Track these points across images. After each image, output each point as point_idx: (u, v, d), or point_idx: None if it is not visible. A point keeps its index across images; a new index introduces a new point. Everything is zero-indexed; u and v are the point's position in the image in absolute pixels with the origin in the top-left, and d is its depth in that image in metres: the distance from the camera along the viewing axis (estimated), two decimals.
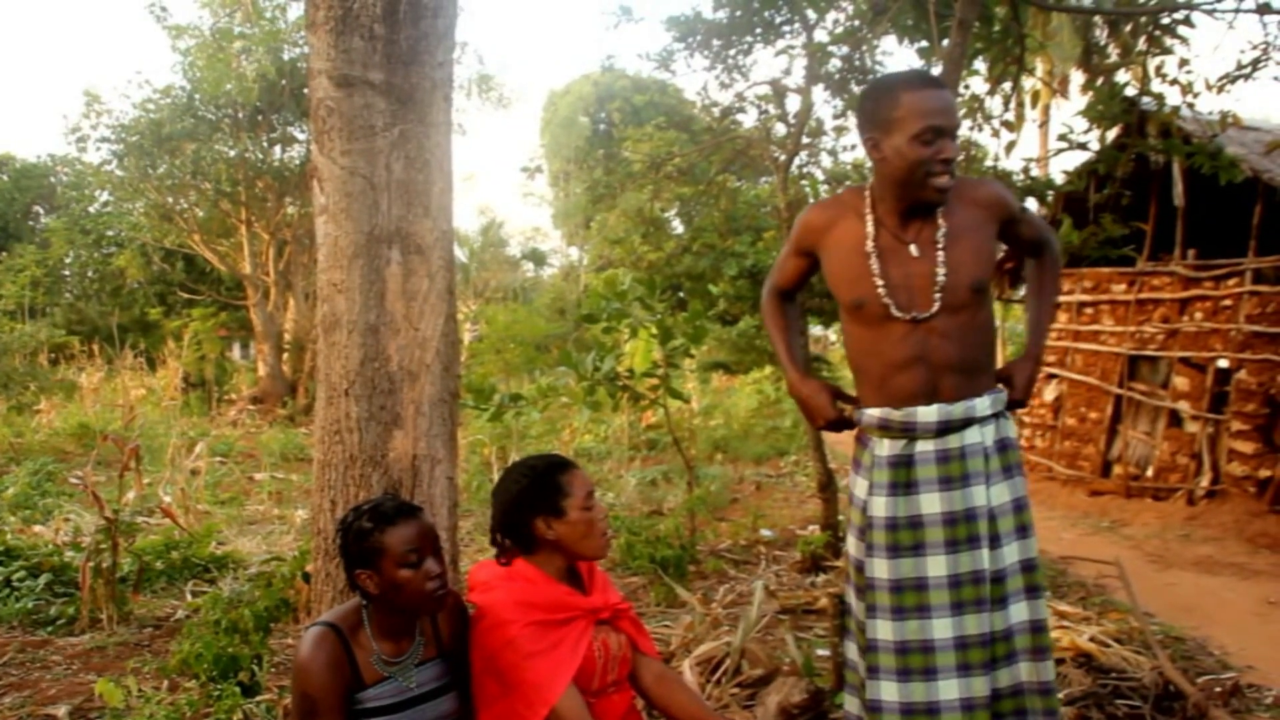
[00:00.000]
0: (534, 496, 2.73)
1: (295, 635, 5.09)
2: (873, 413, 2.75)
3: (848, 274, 2.74)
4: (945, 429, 2.65)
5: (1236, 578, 7.47)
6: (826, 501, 7.52)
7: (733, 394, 20.41)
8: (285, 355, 21.30)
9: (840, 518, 7.52)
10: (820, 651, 4.86)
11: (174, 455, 10.21)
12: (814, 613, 5.93)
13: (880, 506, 2.69)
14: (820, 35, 7.70)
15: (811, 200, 9.61)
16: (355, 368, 3.14)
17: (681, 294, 25.42)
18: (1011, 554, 2.70)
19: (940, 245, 2.66)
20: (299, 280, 21.23)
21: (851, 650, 2.86)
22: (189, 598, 6.23)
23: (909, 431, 2.67)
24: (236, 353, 28.62)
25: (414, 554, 2.49)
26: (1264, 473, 9.43)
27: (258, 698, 4.17)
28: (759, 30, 7.86)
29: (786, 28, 7.88)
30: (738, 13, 7.66)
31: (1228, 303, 10.09)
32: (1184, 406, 10.52)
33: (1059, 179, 7.16)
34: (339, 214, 3.15)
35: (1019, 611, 2.69)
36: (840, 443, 16.29)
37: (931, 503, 2.66)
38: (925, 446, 2.67)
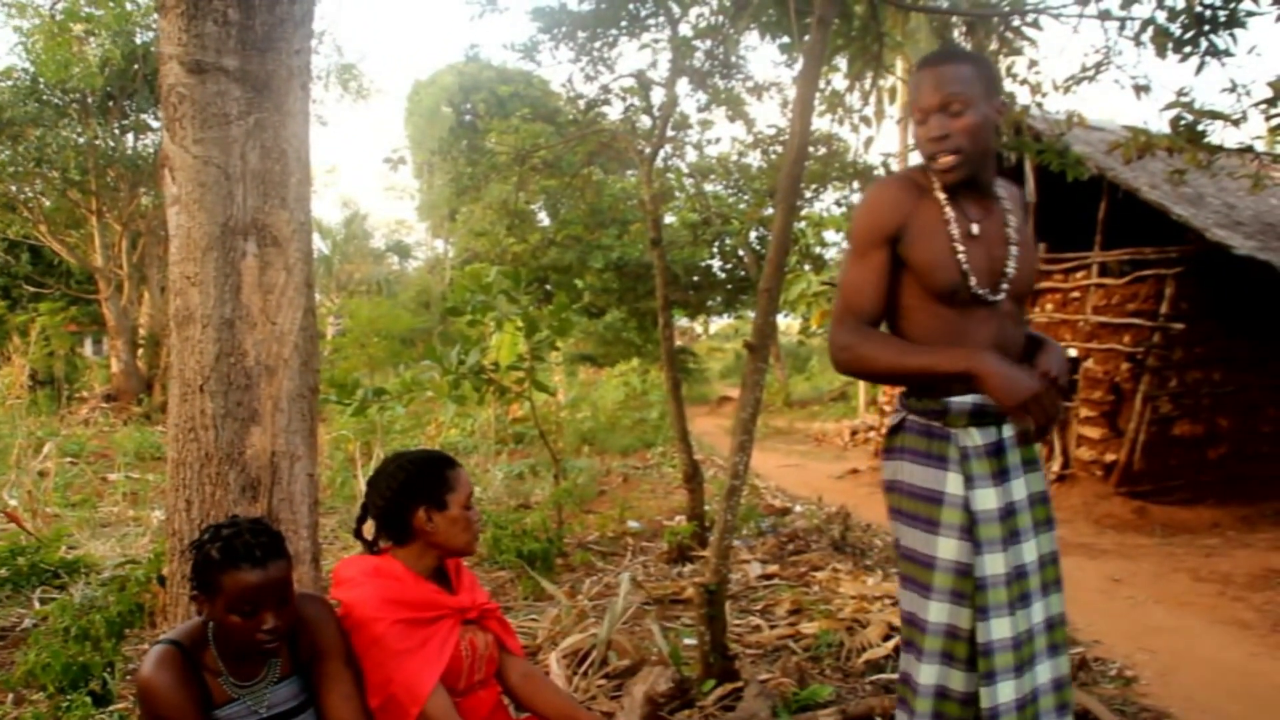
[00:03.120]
0: (420, 486, 2.70)
1: (151, 640, 4.93)
2: (965, 400, 2.59)
3: (938, 257, 2.60)
4: None
5: (1085, 557, 7.80)
6: (692, 492, 7.60)
7: (600, 387, 20.46)
8: (140, 351, 20.59)
9: (707, 508, 7.61)
10: (687, 641, 4.90)
11: (19, 457, 9.76)
12: (681, 602, 5.98)
13: (989, 499, 2.56)
14: (685, 29, 7.76)
15: (678, 194, 9.67)
16: (210, 363, 3.05)
17: (548, 287, 25.43)
18: (1052, 543, 2.70)
19: (1013, 239, 2.65)
20: (154, 273, 20.54)
21: (933, 674, 2.59)
22: (37, 605, 5.97)
23: (1001, 418, 2.59)
24: (89, 349, 27.50)
25: (249, 605, 2.29)
26: (1109, 457, 9.86)
27: (110, 707, 4.02)
28: (624, 23, 7.88)
29: (651, 21, 7.92)
30: (603, 5, 7.66)
31: (1076, 295, 10.52)
32: None
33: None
34: (192, 204, 3.06)
35: (1056, 603, 2.68)
36: (707, 434, 16.48)
37: (1020, 488, 2.61)
38: (1009, 431, 2.62)
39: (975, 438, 2.59)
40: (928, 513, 2.60)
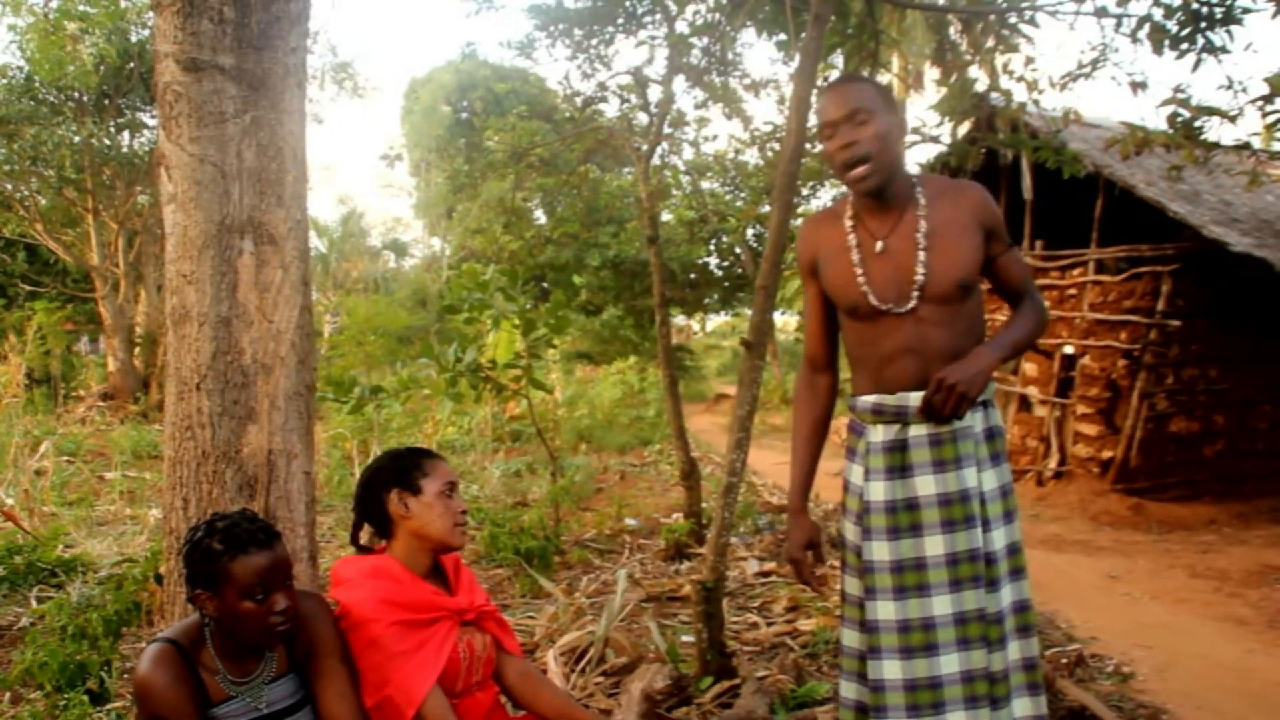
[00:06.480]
0: (392, 470, 2.73)
1: (149, 638, 4.92)
2: (867, 399, 2.80)
3: (839, 279, 2.80)
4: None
5: (1081, 554, 7.80)
6: (690, 489, 7.60)
7: (597, 384, 20.43)
8: (137, 349, 20.53)
9: (704, 505, 7.61)
10: (685, 638, 4.91)
11: (16, 455, 9.75)
12: (678, 600, 5.98)
13: (878, 491, 2.74)
14: (681, 26, 7.75)
15: (674, 191, 9.66)
16: (207, 361, 3.05)
17: (545, 284, 25.41)
18: (1000, 538, 2.75)
19: (921, 245, 2.70)
20: (150, 271, 20.47)
21: (848, 637, 2.88)
22: (34, 604, 5.96)
23: (902, 416, 2.73)
24: (85, 347, 27.43)
25: (260, 588, 2.32)
26: (1106, 454, 9.86)
27: (107, 706, 4.02)
28: (621, 20, 7.86)
29: (648, 18, 7.91)
30: (600, 2, 7.64)
31: (1072, 292, 10.52)
32: (1033, 392, 10.93)
33: (913, 171, 7.37)
34: (188, 203, 3.05)
35: (1007, 594, 2.76)
36: (704, 432, 16.48)
37: (926, 485, 2.71)
38: (918, 431, 2.71)
39: (879, 434, 2.78)
40: (843, 499, 2.93)
